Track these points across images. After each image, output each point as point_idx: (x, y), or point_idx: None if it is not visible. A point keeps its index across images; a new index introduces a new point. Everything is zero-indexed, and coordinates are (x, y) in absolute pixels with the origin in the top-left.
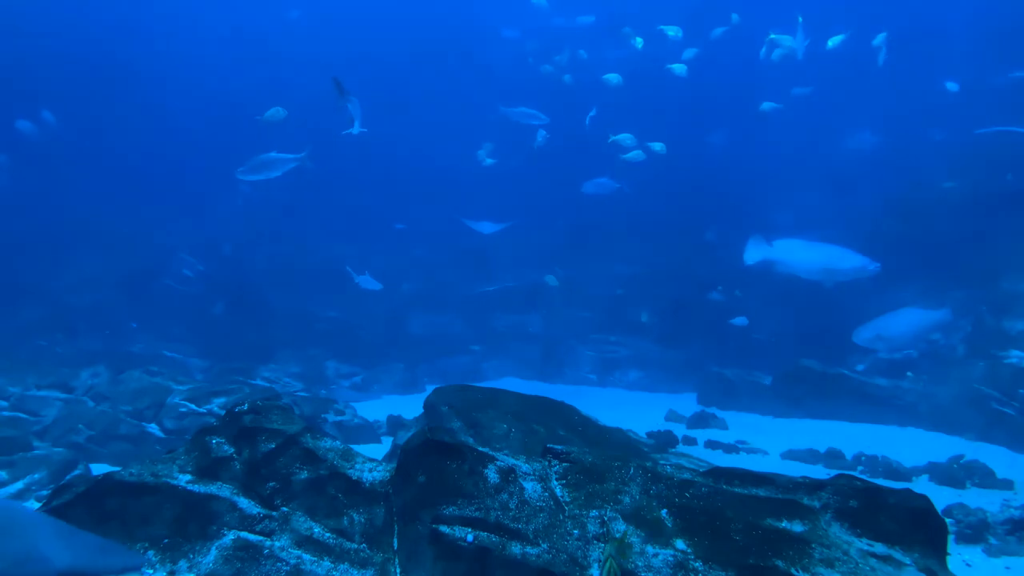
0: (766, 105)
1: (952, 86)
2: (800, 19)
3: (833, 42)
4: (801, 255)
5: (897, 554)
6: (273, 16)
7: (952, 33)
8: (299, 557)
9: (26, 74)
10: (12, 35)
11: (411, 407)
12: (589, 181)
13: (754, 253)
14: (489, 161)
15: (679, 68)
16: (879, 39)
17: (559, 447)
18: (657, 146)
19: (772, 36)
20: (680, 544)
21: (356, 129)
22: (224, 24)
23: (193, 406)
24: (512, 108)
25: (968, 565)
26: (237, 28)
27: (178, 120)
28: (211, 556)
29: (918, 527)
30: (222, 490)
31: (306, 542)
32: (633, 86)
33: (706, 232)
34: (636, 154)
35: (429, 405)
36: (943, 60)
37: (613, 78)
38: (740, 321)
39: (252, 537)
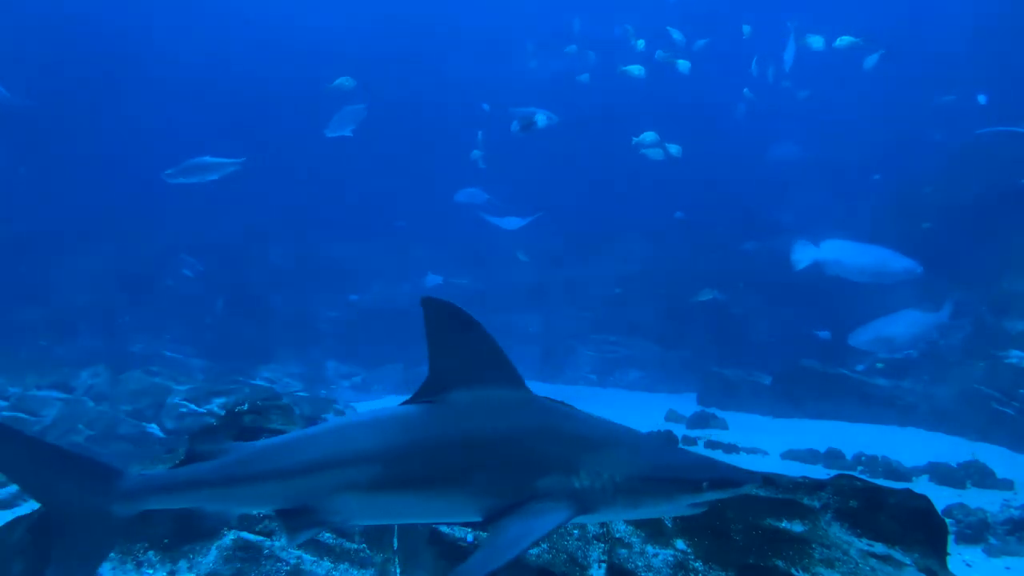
0: (746, 92)
1: (982, 99)
2: (791, 26)
3: (816, 44)
4: (851, 257)
5: (897, 554)
6: (275, 10)
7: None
8: (299, 557)
9: (24, 72)
10: (11, 27)
11: None
12: (461, 190)
13: (803, 256)
14: (483, 165)
15: (682, 64)
16: (844, 40)
17: None
18: (673, 148)
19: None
20: (680, 544)
21: (347, 132)
22: (228, 17)
23: (193, 406)
24: (522, 109)
25: (968, 565)
26: (243, 21)
27: (179, 118)
28: (211, 556)
29: (918, 527)
30: None
31: (306, 542)
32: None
33: (676, 212)
34: (655, 152)
35: None
36: (942, 64)
37: (635, 69)
38: (824, 335)
39: (252, 537)
